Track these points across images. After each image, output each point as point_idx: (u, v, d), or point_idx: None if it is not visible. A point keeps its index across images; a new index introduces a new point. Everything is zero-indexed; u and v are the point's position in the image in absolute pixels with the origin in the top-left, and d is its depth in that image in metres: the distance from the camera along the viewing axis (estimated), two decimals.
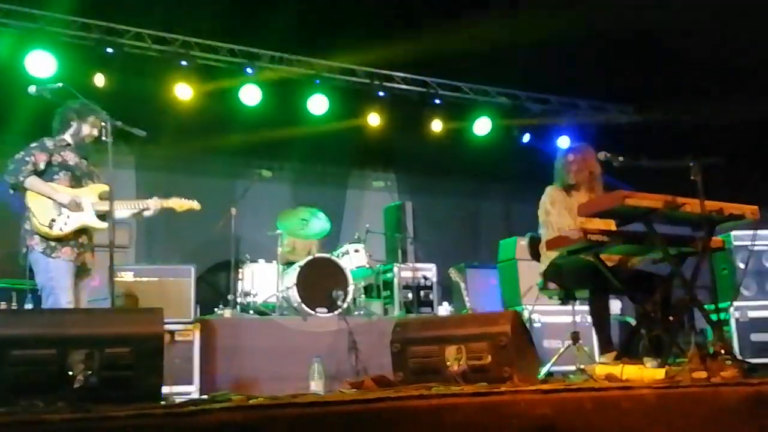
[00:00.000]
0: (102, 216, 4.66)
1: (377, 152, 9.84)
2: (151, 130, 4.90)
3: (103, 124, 4.68)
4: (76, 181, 4.68)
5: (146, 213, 4.90)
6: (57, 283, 4.44)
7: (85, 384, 2.92)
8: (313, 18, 7.62)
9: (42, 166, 4.56)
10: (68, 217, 4.53)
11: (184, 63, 7.93)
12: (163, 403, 3.07)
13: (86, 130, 4.73)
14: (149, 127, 4.88)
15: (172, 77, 7.95)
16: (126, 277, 5.91)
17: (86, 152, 4.82)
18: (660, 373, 3.36)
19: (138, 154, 8.39)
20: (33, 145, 4.61)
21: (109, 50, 7.55)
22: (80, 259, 4.61)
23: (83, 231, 4.63)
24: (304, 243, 7.93)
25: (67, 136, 4.73)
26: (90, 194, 4.68)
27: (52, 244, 4.48)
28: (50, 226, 4.45)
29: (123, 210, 4.80)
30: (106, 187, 4.76)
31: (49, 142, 4.64)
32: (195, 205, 5.21)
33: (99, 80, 7.42)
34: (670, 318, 4.23)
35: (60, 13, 7.33)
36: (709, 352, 3.52)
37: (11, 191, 4.56)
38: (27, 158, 4.52)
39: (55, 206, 4.51)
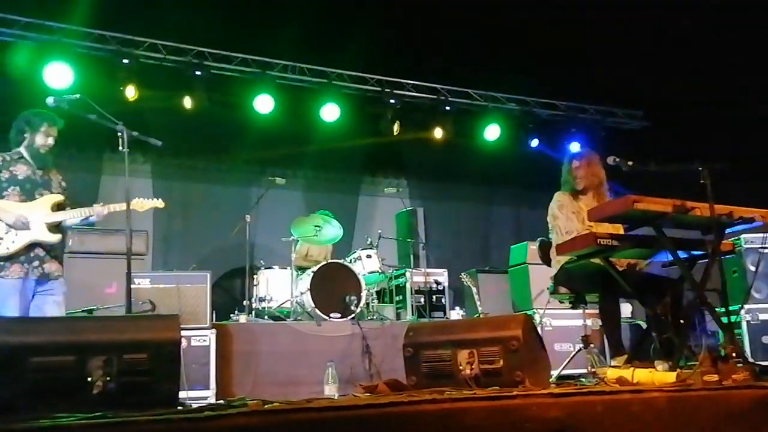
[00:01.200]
0: (54, 227, 4.62)
1: (389, 159, 9.91)
2: (167, 140, 4.92)
3: (55, 133, 4.67)
4: (27, 195, 4.60)
5: (91, 219, 4.78)
6: (2, 303, 4.38)
7: (104, 390, 2.93)
8: (324, 26, 7.69)
9: None
10: (16, 234, 4.46)
11: (198, 73, 8.01)
12: (180, 408, 3.11)
13: (40, 140, 4.67)
14: (164, 136, 4.90)
15: (187, 87, 8.03)
16: (143, 284, 5.98)
17: (43, 162, 4.72)
18: (671, 377, 3.35)
19: (154, 163, 8.48)
20: None
21: (125, 61, 7.65)
22: (36, 272, 4.53)
23: (36, 244, 4.55)
24: (318, 249, 7.99)
25: (22, 149, 4.67)
26: (41, 207, 4.60)
27: (0, 263, 4.43)
28: None
29: (72, 219, 4.72)
30: (60, 198, 4.72)
31: None
32: (159, 203, 5.08)
33: (130, 92, 7.52)
34: (681, 321, 4.24)
35: (77, 25, 7.43)
36: (721, 354, 3.52)
37: None
38: None
39: (2, 226, 4.46)
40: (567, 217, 4.80)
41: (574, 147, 9.49)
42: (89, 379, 2.93)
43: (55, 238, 4.60)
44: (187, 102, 8.02)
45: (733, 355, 3.54)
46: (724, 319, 4.00)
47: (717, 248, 4.08)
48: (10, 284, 4.41)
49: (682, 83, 8.05)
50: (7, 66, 7.28)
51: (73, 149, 7.75)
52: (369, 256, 7.34)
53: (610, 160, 4.39)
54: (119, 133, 4.56)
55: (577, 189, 4.91)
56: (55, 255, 4.69)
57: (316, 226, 7.35)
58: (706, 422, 2.66)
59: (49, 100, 4.57)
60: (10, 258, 4.44)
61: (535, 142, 9.79)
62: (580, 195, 4.92)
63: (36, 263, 4.54)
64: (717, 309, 4.13)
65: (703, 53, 7.61)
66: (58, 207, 4.69)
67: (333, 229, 7.51)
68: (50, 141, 4.69)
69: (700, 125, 8.01)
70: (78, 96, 4.69)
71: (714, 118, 7.87)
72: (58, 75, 7.24)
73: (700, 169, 4.02)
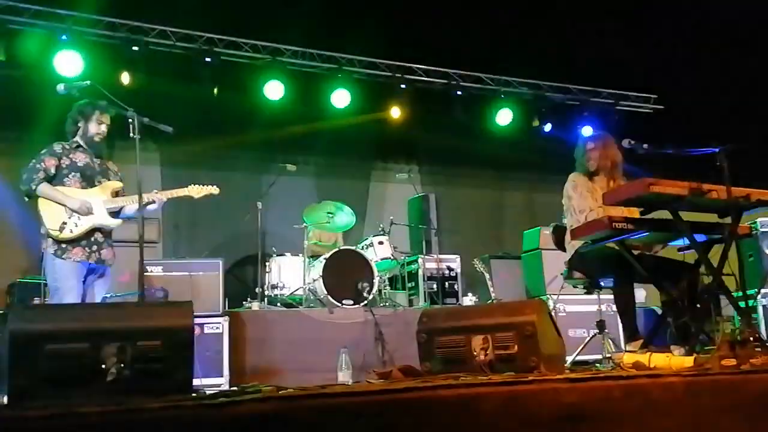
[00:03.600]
0: (114, 213, 4.75)
1: (400, 144, 9.87)
2: (177, 127, 4.92)
3: (108, 120, 4.78)
4: (88, 182, 4.75)
5: (150, 207, 4.86)
6: (61, 284, 4.52)
7: (118, 377, 2.95)
8: (334, 12, 7.64)
9: (53, 171, 4.65)
10: (78, 219, 4.60)
11: (208, 59, 7.99)
12: (194, 394, 3.12)
13: (93, 128, 4.79)
14: (174, 123, 4.91)
15: (197, 74, 8.01)
16: (156, 271, 6.00)
17: (99, 150, 4.88)
18: (688, 361, 3.32)
19: (163, 150, 8.48)
20: (42, 151, 4.71)
21: (135, 48, 7.64)
22: (94, 257, 4.67)
23: (96, 229, 4.69)
24: (329, 236, 7.99)
25: (78, 138, 4.82)
26: (101, 194, 4.75)
27: (63, 245, 4.56)
28: (61, 230, 4.53)
29: (132, 204, 4.80)
30: (119, 185, 4.86)
31: (57, 147, 4.73)
32: (214, 190, 5.20)
33: (125, 78, 7.51)
34: (697, 305, 4.20)
35: (86, 13, 7.43)
36: (738, 339, 3.48)
37: (26, 199, 4.65)
38: (38, 166, 4.62)
39: (65, 210, 4.59)
40: (581, 195, 4.76)
41: (588, 130, 9.41)
42: (103, 366, 2.95)
43: (115, 222, 4.75)
44: (197, 89, 7.99)
45: (751, 339, 3.50)
46: (741, 303, 3.96)
47: (734, 231, 4.03)
48: (71, 266, 4.57)
49: (696, 65, 7.95)
50: (18, 54, 7.28)
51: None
52: (381, 243, 7.33)
53: (626, 142, 4.35)
54: (130, 120, 4.58)
55: (591, 171, 4.88)
56: (110, 243, 4.83)
57: (328, 213, 7.35)
58: (724, 407, 2.62)
59: (60, 88, 4.60)
60: (73, 241, 4.58)
61: (548, 127, 9.71)
62: (594, 177, 4.89)
63: (95, 248, 4.69)
64: (734, 293, 4.09)
65: (715, 34, 7.51)
66: (117, 194, 4.83)
67: (345, 217, 7.51)
68: (103, 128, 4.81)
69: (714, 108, 7.91)
70: (88, 83, 4.71)
71: (729, 100, 7.77)
72: (69, 62, 7.24)
73: (717, 151, 3.97)
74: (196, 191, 5.09)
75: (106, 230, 4.76)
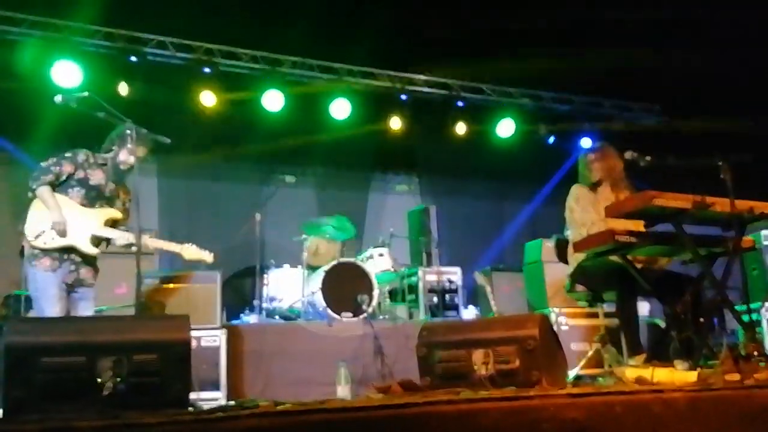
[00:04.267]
0: (97, 241, 4.68)
1: (400, 156, 9.85)
2: (174, 138, 4.91)
3: (142, 154, 4.77)
4: (89, 201, 4.68)
5: (135, 248, 4.70)
6: (40, 293, 4.48)
7: (114, 391, 2.93)
8: (333, 22, 7.65)
9: (64, 177, 4.61)
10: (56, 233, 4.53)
11: (206, 70, 8.00)
12: (190, 409, 3.09)
13: (123, 155, 4.75)
14: (172, 134, 4.90)
15: (195, 84, 8.02)
16: (152, 283, 5.95)
17: (120, 177, 4.83)
18: (692, 376, 3.30)
19: (161, 161, 8.45)
20: (67, 155, 4.66)
21: (133, 58, 7.64)
22: (71, 276, 4.59)
23: (73, 249, 4.60)
24: (328, 248, 7.94)
25: (108, 156, 4.78)
26: (95, 218, 4.66)
27: (35, 252, 4.50)
28: (36, 237, 4.47)
29: (120, 240, 4.73)
30: (118, 215, 4.78)
31: (82, 156, 4.69)
32: (208, 257, 5.07)
33: (123, 89, 7.51)
34: (701, 319, 4.17)
35: (84, 23, 7.43)
36: (742, 353, 3.45)
37: (29, 194, 4.59)
38: (53, 168, 4.58)
39: (48, 220, 4.52)
40: (583, 208, 4.74)
41: (590, 142, 9.40)
42: (99, 379, 2.94)
43: (93, 251, 4.66)
44: (195, 100, 7.99)
45: (755, 353, 3.47)
46: (745, 317, 3.94)
47: (738, 245, 4.01)
48: (43, 275, 4.49)
49: (700, 76, 7.94)
50: (16, 64, 7.26)
51: (81, 147, 7.74)
52: (381, 255, 7.29)
53: (628, 154, 4.33)
54: (128, 131, 4.55)
55: (594, 183, 4.86)
56: (91, 263, 4.75)
57: (327, 225, 7.32)
58: (728, 422, 2.60)
59: (58, 98, 4.58)
60: (44, 251, 4.51)
61: (550, 139, 9.71)
62: (597, 188, 4.87)
63: (72, 267, 4.61)
64: (737, 307, 4.07)
65: (721, 44, 7.51)
66: (112, 224, 4.75)
67: (345, 229, 7.48)
68: (131, 160, 4.75)
69: (718, 119, 7.90)
70: (86, 94, 4.69)
71: (733, 110, 7.76)
72: (66, 73, 7.22)
73: (720, 163, 3.95)
74: (189, 253, 4.98)
75: (82, 253, 4.65)
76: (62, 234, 4.51)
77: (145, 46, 7.78)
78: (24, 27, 7.28)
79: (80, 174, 4.66)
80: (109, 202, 4.79)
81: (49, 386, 2.88)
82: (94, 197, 4.71)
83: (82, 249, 4.60)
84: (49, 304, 4.43)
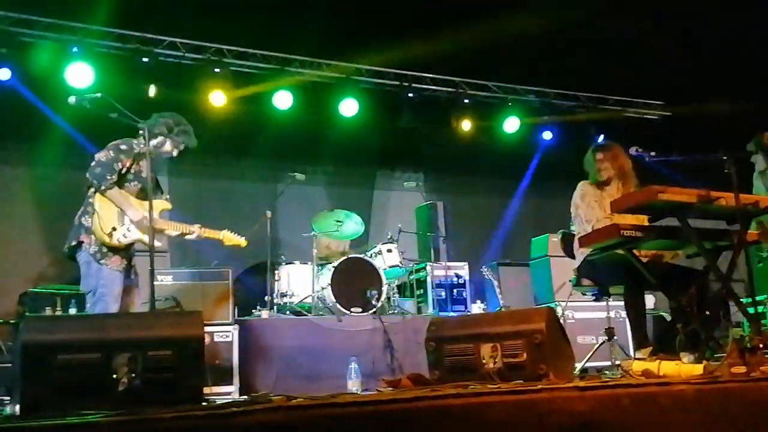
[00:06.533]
0: (158, 233, 4.70)
1: (408, 152, 9.89)
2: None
3: (182, 148, 4.83)
4: (144, 194, 4.66)
5: (188, 237, 4.89)
6: (107, 290, 4.46)
7: (129, 387, 2.97)
8: (342, 22, 7.67)
9: (124, 171, 4.61)
10: (128, 230, 4.55)
11: (217, 70, 8.04)
12: (204, 404, 3.13)
13: (168, 146, 4.80)
14: None
15: (206, 84, 8.06)
16: (166, 280, 6.02)
17: (159, 167, 4.90)
18: (698, 369, 3.30)
19: (173, 160, 8.48)
20: (123, 147, 4.61)
21: (145, 60, 7.69)
22: (131, 271, 4.69)
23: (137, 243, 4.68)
24: (338, 244, 8.00)
25: (151, 146, 4.71)
26: (151, 210, 4.60)
27: (104, 250, 4.48)
28: (110, 235, 4.46)
29: (173, 231, 4.82)
30: (167, 206, 4.84)
31: (135, 147, 4.64)
32: (242, 242, 5.20)
33: (152, 91, 7.59)
34: (706, 312, 4.19)
35: (97, 25, 7.46)
36: (748, 346, 3.47)
37: (86, 188, 4.57)
38: (115, 165, 4.53)
39: (119, 215, 4.53)
40: (588, 205, 4.76)
41: (597, 138, 9.40)
42: (114, 376, 2.97)
43: (158, 243, 4.63)
44: (206, 99, 8.04)
45: (761, 346, 3.49)
46: (751, 310, 3.95)
47: (743, 238, 4.03)
48: (112, 273, 4.50)
49: (703, 72, 7.93)
50: (30, 66, 7.33)
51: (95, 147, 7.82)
52: (389, 251, 7.33)
53: (633, 150, 4.35)
54: (141, 131, 4.60)
55: (601, 180, 4.87)
56: (133, 253, 4.80)
57: (337, 221, 7.37)
58: (735, 415, 2.61)
59: (71, 99, 4.59)
60: (114, 249, 4.52)
61: (548, 135, 9.75)
62: (604, 186, 4.88)
63: (132, 261, 4.71)
64: (743, 299, 4.08)
65: (723, 40, 7.50)
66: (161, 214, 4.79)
67: (354, 225, 7.53)
68: (174, 153, 4.84)
69: (721, 114, 7.89)
70: (99, 95, 4.71)
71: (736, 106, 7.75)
72: (80, 74, 7.28)
73: (725, 158, 3.97)
74: (228, 238, 5.10)
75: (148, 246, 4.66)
76: (144, 228, 4.51)
77: (157, 47, 7.82)
78: (38, 29, 7.32)
79: (135, 167, 4.67)
80: (155, 193, 4.75)
81: (65, 383, 2.90)
82: (145, 189, 4.67)
83: (148, 242, 4.54)
84: (113, 300, 4.45)
